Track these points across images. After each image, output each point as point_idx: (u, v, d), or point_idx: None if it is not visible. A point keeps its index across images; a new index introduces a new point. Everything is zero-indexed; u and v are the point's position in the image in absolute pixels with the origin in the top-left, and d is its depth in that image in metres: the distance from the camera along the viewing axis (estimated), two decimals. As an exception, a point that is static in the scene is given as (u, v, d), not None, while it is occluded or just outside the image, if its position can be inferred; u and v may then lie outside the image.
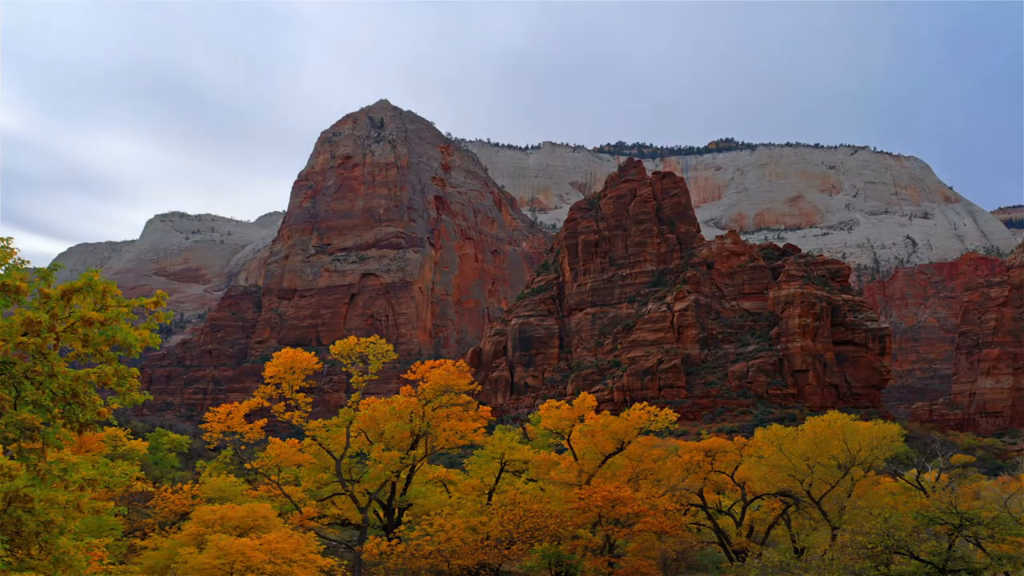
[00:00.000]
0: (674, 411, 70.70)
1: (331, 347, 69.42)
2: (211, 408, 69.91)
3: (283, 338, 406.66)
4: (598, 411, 74.21)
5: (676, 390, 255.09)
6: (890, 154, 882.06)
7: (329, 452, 68.16)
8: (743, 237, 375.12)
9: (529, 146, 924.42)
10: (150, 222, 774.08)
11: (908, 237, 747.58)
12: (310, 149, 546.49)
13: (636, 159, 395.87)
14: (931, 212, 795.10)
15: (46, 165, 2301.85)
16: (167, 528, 60.68)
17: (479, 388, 75.36)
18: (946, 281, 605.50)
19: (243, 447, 71.07)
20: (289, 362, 67.33)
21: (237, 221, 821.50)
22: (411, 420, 66.32)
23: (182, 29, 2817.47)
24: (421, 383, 67.22)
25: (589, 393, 75.86)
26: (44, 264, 25.90)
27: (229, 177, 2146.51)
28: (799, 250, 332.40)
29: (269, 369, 67.47)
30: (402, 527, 63.91)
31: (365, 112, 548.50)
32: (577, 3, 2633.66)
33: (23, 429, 22.94)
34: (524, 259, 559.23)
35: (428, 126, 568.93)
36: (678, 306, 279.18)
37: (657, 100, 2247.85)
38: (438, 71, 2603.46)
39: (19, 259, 24.04)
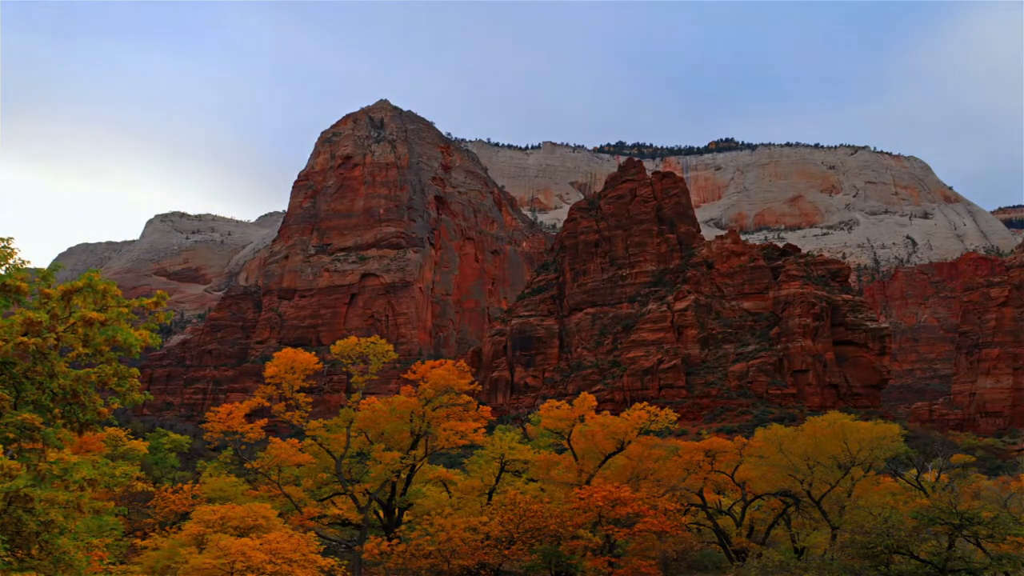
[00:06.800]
0: (674, 411, 70.77)
1: (331, 347, 69.60)
2: (211, 408, 70.00)
3: (283, 338, 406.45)
4: (598, 411, 74.20)
5: (676, 390, 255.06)
6: (890, 154, 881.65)
7: (329, 452, 68.19)
8: (743, 237, 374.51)
9: (529, 146, 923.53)
10: (150, 222, 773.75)
11: (908, 237, 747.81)
12: (310, 149, 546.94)
13: (636, 159, 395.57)
14: (931, 212, 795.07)
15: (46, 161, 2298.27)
16: (167, 528, 60.62)
17: (479, 388, 75.46)
18: (946, 281, 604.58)
19: (243, 447, 71.11)
20: (289, 362, 67.45)
21: (237, 221, 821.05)
22: (411, 420, 66.37)
23: (182, 29, 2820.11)
24: (421, 383, 67.24)
25: (589, 393, 75.85)
26: (44, 264, 25.90)
27: (229, 177, 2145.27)
28: (799, 250, 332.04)
29: (269, 369, 67.59)
30: (402, 527, 63.92)
31: (365, 112, 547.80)
32: (577, 2, 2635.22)
33: (23, 429, 22.94)
34: (524, 259, 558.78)
35: (428, 126, 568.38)
36: (678, 306, 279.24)
37: (658, 99, 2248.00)
38: (439, 71, 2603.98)
39: (19, 259, 24.06)
